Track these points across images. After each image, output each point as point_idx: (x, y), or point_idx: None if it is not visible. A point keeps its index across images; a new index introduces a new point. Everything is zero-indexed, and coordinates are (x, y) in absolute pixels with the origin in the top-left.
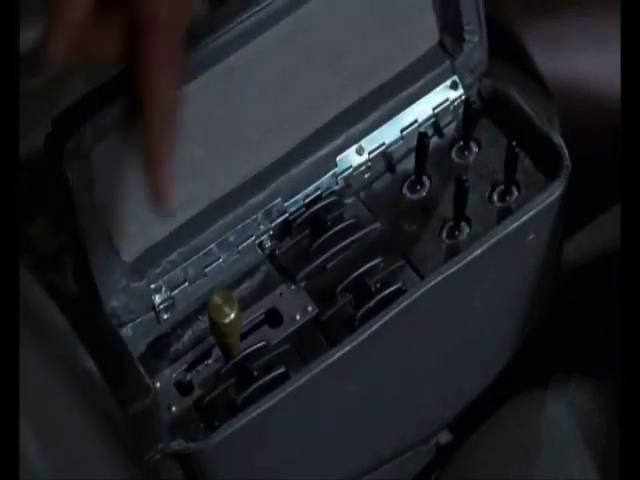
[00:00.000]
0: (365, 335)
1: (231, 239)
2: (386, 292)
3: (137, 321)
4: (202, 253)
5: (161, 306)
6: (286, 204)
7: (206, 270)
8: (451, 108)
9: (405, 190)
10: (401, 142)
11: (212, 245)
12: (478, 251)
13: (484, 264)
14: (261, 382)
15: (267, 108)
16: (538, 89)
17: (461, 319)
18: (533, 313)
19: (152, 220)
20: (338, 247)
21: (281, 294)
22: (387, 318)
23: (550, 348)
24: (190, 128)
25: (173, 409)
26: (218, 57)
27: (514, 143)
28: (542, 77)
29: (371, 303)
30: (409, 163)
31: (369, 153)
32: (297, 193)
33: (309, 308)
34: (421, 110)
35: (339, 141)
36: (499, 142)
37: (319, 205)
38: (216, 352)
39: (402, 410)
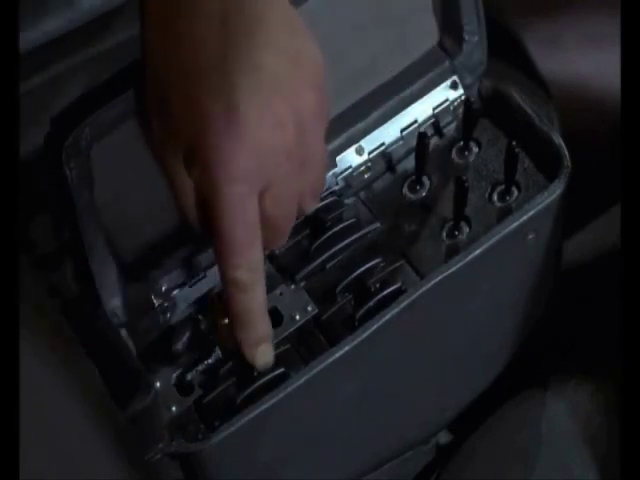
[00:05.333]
0: (365, 335)
1: None
2: (386, 292)
3: (137, 321)
4: (202, 253)
5: (161, 306)
6: None
7: (206, 270)
8: (451, 108)
9: (405, 190)
10: (401, 142)
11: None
12: (478, 251)
13: (484, 264)
14: (261, 382)
15: None
16: (538, 89)
17: (461, 319)
18: (533, 313)
19: (152, 220)
20: (338, 247)
21: (281, 294)
22: (387, 318)
23: (550, 348)
24: None
25: (173, 409)
26: None
27: (514, 143)
28: (542, 77)
29: (371, 303)
30: (409, 163)
31: (369, 153)
32: None
33: (309, 308)
34: (421, 110)
35: (339, 141)
36: (499, 142)
37: (319, 205)
38: (216, 352)
39: (402, 410)
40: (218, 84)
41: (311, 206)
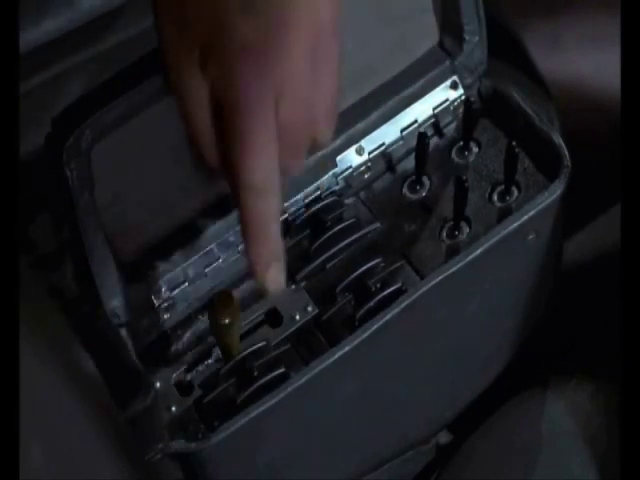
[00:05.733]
0: (365, 335)
1: (231, 239)
2: (386, 292)
3: (137, 321)
4: (202, 253)
5: (161, 306)
6: (286, 204)
7: (206, 270)
8: (451, 108)
9: (405, 190)
10: (401, 142)
11: (212, 245)
12: (478, 251)
13: (484, 264)
14: (261, 382)
15: None
16: (538, 89)
17: (461, 319)
18: (533, 313)
19: (152, 220)
20: (338, 247)
21: (281, 294)
22: (387, 318)
23: (550, 348)
24: None
25: (173, 409)
26: None
27: (514, 143)
28: (542, 77)
29: (371, 303)
30: (409, 163)
31: (369, 153)
32: (297, 193)
33: (309, 308)
34: (421, 110)
35: (339, 141)
36: (499, 142)
37: (319, 205)
38: (216, 352)
39: (402, 410)
40: None
41: (326, 131)
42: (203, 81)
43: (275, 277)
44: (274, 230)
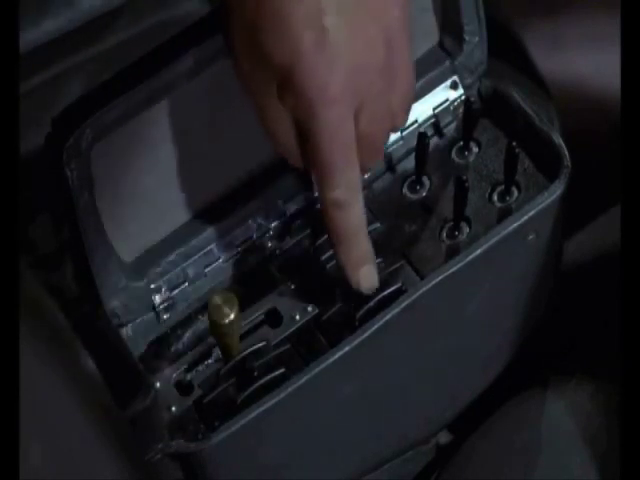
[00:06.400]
0: (365, 335)
1: (231, 239)
2: (386, 292)
3: (137, 321)
4: (202, 253)
5: (161, 306)
6: (286, 204)
7: (206, 270)
8: (451, 108)
9: (405, 190)
10: (401, 142)
11: (212, 245)
12: (478, 251)
13: (484, 264)
14: (261, 382)
15: None
16: (538, 89)
17: (461, 319)
18: (533, 313)
19: (152, 220)
20: None
21: (281, 294)
22: (387, 318)
23: (550, 348)
24: (193, 125)
25: (173, 409)
26: (216, 56)
27: (514, 143)
28: (542, 77)
29: (371, 303)
30: (409, 163)
31: None
32: (297, 193)
33: (309, 308)
34: (421, 110)
35: None
36: (499, 142)
37: (319, 205)
38: (216, 352)
39: (402, 410)
40: (306, 11)
41: (403, 122)
42: (281, 105)
43: (366, 278)
44: (360, 236)
